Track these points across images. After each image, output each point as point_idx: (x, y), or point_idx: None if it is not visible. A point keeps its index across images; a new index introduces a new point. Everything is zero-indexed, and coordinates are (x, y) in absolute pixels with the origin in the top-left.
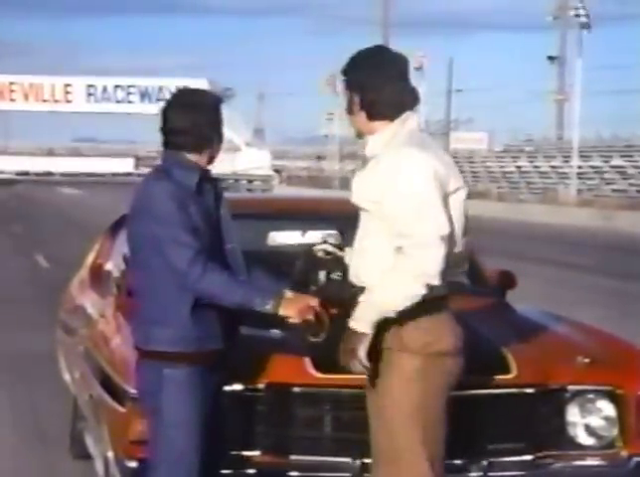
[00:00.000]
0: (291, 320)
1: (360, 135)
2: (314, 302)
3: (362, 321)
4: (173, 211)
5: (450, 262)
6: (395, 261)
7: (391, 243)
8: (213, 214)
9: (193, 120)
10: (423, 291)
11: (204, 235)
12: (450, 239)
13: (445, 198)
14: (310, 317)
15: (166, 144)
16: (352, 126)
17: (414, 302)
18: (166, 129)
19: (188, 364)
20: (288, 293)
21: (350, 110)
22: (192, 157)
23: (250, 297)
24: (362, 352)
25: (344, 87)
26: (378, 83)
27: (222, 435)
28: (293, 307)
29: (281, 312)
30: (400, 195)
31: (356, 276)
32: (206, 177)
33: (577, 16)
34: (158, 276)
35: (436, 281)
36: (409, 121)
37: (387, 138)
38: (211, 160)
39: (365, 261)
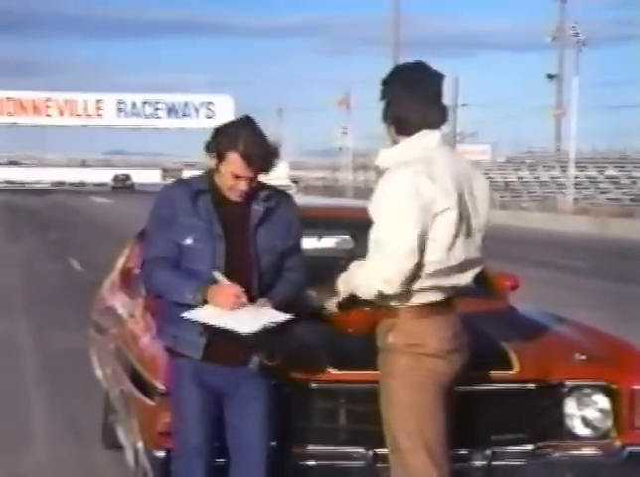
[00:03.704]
0: (221, 307)
1: (394, 143)
2: (236, 289)
3: (340, 284)
4: (162, 214)
5: (444, 273)
6: (368, 258)
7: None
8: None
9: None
10: (383, 293)
11: (195, 243)
12: (433, 255)
13: (430, 217)
14: (244, 300)
15: None
16: (386, 134)
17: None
18: None
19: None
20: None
21: (384, 119)
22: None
23: (183, 292)
24: (330, 303)
25: (379, 97)
26: (407, 104)
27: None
28: (218, 295)
29: (209, 300)
30: (381, 208)
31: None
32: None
33: (577, 34)
34: None
35: (393, 290)
36: (427, 139)
37: (399, 153)
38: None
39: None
